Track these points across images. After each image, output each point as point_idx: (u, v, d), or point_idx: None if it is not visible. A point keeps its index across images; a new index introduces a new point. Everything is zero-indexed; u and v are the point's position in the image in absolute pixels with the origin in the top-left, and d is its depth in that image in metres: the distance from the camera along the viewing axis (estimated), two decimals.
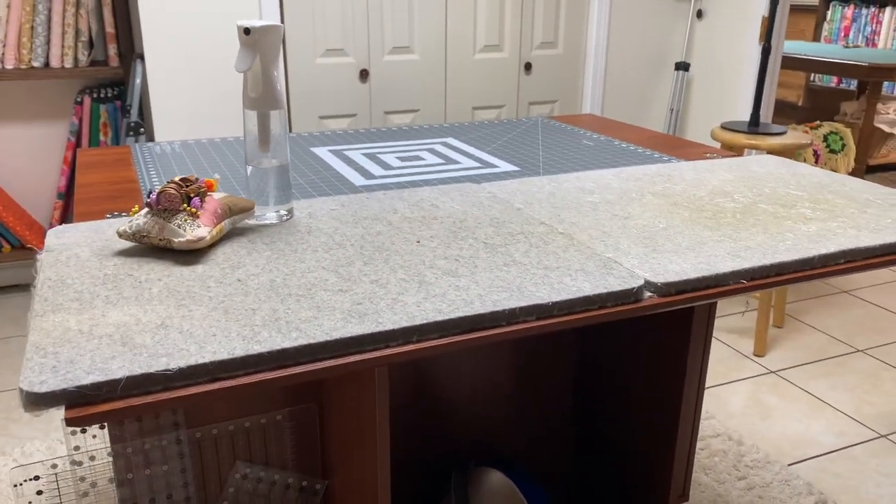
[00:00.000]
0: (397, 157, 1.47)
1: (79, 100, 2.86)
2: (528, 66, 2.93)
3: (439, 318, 0.77)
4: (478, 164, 1.42)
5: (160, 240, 0.90)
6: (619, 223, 1.06)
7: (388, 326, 0.75)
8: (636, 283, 0.86)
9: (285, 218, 1.05)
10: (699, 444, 2.16)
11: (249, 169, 1.02)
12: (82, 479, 1.19)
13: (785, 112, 5.48)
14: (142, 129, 2.51)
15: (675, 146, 1.62)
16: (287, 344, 0.71)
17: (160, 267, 0.88)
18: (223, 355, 0.68)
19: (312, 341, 0.71)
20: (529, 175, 1.34)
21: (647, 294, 0.87)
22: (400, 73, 2.72)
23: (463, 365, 1.37)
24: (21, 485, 1.18)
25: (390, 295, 0.82)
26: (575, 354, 1.45)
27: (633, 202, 1.16)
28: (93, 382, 0.63)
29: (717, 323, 2.87)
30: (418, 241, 0.98)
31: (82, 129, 2.88)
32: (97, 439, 1.20)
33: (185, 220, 0.90)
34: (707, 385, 2.48)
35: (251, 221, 1.04)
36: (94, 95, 2.86)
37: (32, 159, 2.95)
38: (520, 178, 1.29)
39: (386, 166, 1.41)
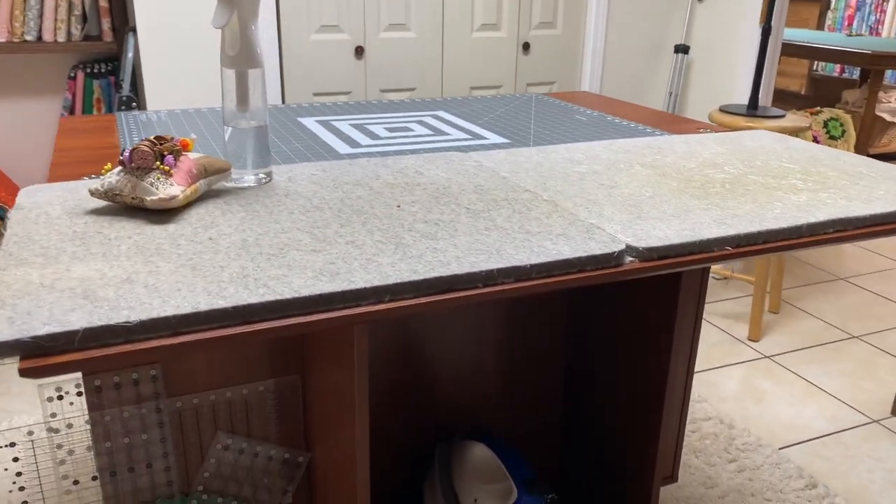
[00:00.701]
0: (385, 128, 1.45)
1: (72, 75, 2.83)
2: (526, 47, 2.90)
3: (414, 277, 0.75)
4: (467, 136, 1.40)
5: (133, 198, 0.88)
6: (605, 192, 1.04)
7: (360, 285, 0.73)
8: (617, 247, 0.84)
9: (264, 181, 1.03)
10: (690, 427, 2.14)
11: (227, 130, 1.00)
12: (59, 446, 1.18)
13: (787, 100, 5.44)
14: (134, 104, 2.49)
15: (669, 122, 1.59)
16: (253, 300, 0.69)
17: (131, 225, 0.86)
18: (186, 309, 0.66)
19: (280, 297, 0.69)
20: (519, 147, 1.32)
21: (629, 259, 0.85)
22: (396, 51, 2.69)
23: (450, 335, 1.35)
24: None
25: (365, 256, 0.80)
26: (565, 327, 1.43)
27: (621, 172, 1.13)
28: (49, 333, 0.61)
29: (712, 308, 2.85)
30: (399, 206, 0.95)
31: (76, 104, 2.86)
32: (74, 406, 1.19)
33: (158, 179, 0.88)
34: (700, 369, 2.46)
35: (228, 184, 1.02)
36: (88, 70, 2.84)
37: (25, 134, 2.92)
38: (508, 149, 1.27)
39: (373, 136, 1.38)
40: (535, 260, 0.80)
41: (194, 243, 0.81)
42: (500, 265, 0.78)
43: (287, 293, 0.70)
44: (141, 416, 1.21)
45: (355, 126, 1.46)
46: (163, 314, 0.65)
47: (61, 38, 2.72)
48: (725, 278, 2.73)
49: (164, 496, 1.26)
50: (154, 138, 0.91)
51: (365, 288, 0.72)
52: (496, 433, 1.45)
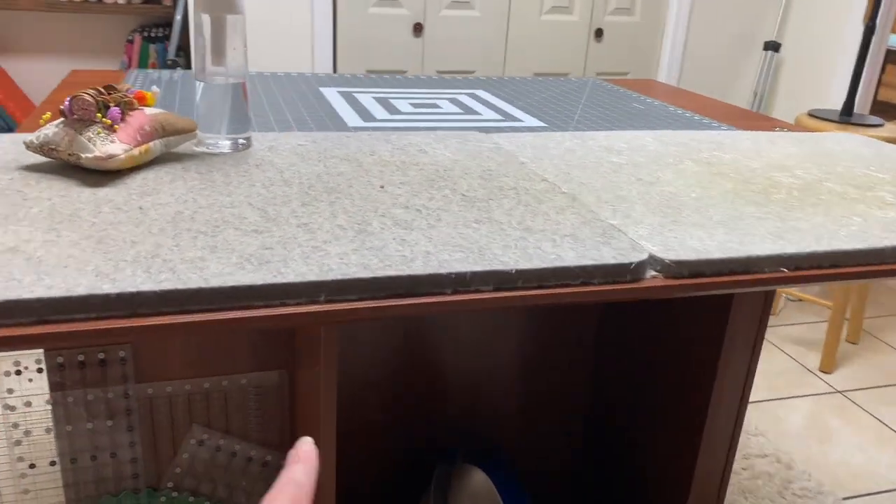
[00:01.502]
0: (411, 104, 1.29)
1: (130, 38, 2.79)
2: (598, 33, 2.69)
3: (361, 274, 0.59)
4: (499, 117, 1.23)
5: (69, 154, 0.75)
6: (641, 188, 0.85)
7: (290, 279, 0.57)
8: (637, 257, 0.66)
9: (241, 148, 0.89)
10: (741, 464, 1.92)
11: (199, 86, 0.86)
12: (15, 425, 1.07)
13: (890, 113, 5.01)
14: (178, 67, 2.41)
15: (741, 117, 1.38)
16: (147, 287, 0.54)
17: (60, 185, 0.73)
18: (58, 292, 0.52)
19: (181, 287, 0.55)
20: (553, 132, 1.14)
21: (651, 273, 0.67)
22: (457, 30, 2.53)
23: (462, 341, 1.19)
24: None
25: (314, 242, 0.64)
26: (593, 339, 1.24)
27: (667, 167, 0.94)
28: None
29: (782, 331, 2.59)
30: (382, 186, 0.80)
31: (131, 67, 2.81)
32: (34, 384, 1.08)
33: (98, 134, 0.75)
34: (761, 399, 2.22)
35: (199, 148, 0.88)
36: (146, 35, 2.78)
37: None
38: (538, 133, 1.09)
39: (394, 111, 1.23)
40: (524, 265, 0.63)
41: (119, 212, 0.68)
42: (478, 268, 0.61)
43: (194, 282, 0.55)
44: (107, 401, 1.09)
45: (378, 99, 1.30)
46: (25, 296, 0.52)
47: (122, 0, 2.68)
48: (800, 300, 2.47)
49: (130, 489, 1.15)
50: (104, 87, 0.78)
51: (295, 283, 0.57)
52: (509, 451, 1.28)
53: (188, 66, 2.55)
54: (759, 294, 1.22)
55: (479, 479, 1.10)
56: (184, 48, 2.57)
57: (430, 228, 0.69)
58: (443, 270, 0.61)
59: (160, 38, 2.78)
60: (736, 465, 1.93)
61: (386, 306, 0.58)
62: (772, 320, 2.70)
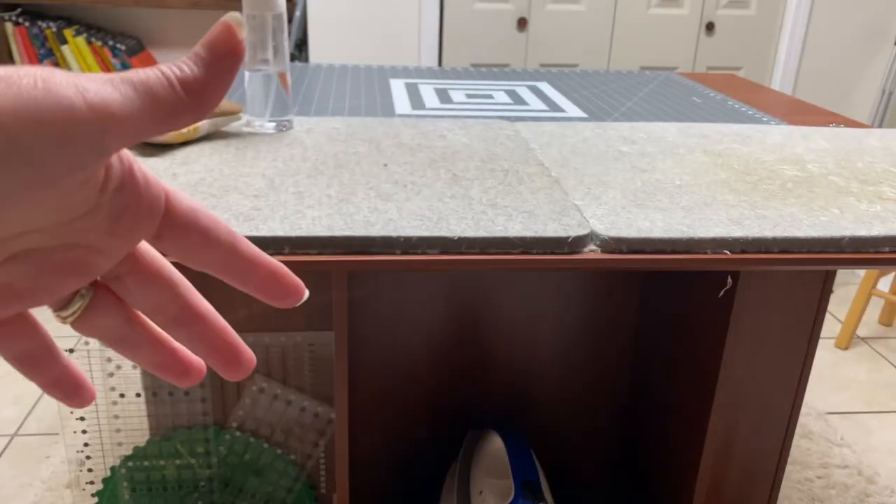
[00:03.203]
0: (466, 94, 1.39)
1: None
2: (710, 27, 2.64)
3: (322, 233, 0.70)
4: (545, 108, 1.30)
5: None
6: (630, 175, 0.91)
7: (262, 233, 0.69)
8: (578, 232, 0.72)
9: (284, 129, 1.03)
10: (817, 472, 1.86)
11: (246, 75, 1.00)
12: (109, 359, 1.28)
13: None
14: (296, 61, 2.62)
15: (801, 111, 1.36)
16: None
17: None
18: None
19: None
20: (587, 122, 1.20)
21: (591, 248, 0.73)
22: (561, 24, 2.58)
23: (506, 310, 1.27)
24: None
25: (299, 206, 0.76)
26: (636, 319, 1.28)
27: (672, 157, 0.98)
28: None
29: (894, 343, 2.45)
30: (385, 165, 0.90)
31: None
32: None
33: None
34: (856, 410, 2.13)
35: (247, 129, 1.03)
36: None
37: None
38: (565, 122, 1.15)
39: (446, 100, 1.33)
40: (470, 233, 0.71)
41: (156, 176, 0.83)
42: (426, 234, 0.71)
43: None
44: None
45: (436, 90, 1.41)
46: None
47: None
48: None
49: (200, 425, 1.33)
50: None
51: (264, 237, 0.69)
52: (550, 424, 1.35)
53: (306, 59, 2.76)
54: (810, 277, 1.20)
55: (495, 443, 1.18)
56: (304, 43, 2.79)
57: (405, 201, 0.79)
58: (393, 234, 0.71)
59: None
60: (811, 474, 1.88)
61: (339, 261, 0.69)
62: (885, 331, 2.56)
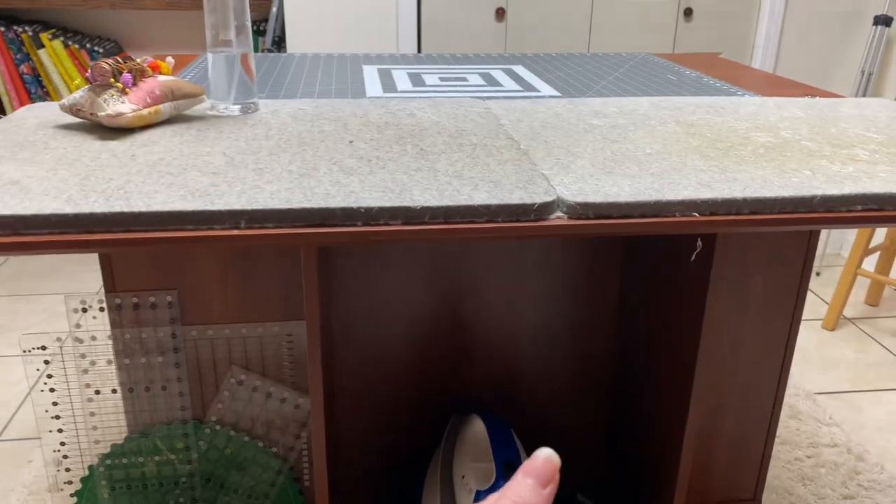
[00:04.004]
0: (440, 78, 1.37)
1: None
2: (688, 12, 2.64)
3: (280, 206, 0.68)
4: (519, 89, 1.28)
5: (91, 114, 0.89)
6: (600, 146, 0.89)
7: (219, 207, 0.67)
8: (544, 199, 0.71)
9: (250, 111, 1.01)
10: (806, 451, 1.85)
11: (209, 58, 0.99)
12: (83, 355, 1.26)
13: None
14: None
15: (778, 86, 1.35)
16: (99, 209, 0.66)
17: (78, 139, 0.88)
18: (29, 211, 0.65)
19: (126, 210, 0.66)
20: (559, 99, 1.18)
21: (557, 214, 0.71)
22: (539, 13, 2.57)
23: (488, 292, 1.26)
24: (30, 352, 1.27)
25: (258, 182, 0.74)
26: (617, 300, 1.26)
27: (643, 128, 0.97)
28: None
29: (883, 323, 2.44)
30: (351, 142, 0.89)
31: None
32: (97, 321, 1.26)
33: (112, 96, 0.88)
34: (844, 389, 2.12)
35: (211, 112, 1.01)
36: (253, 28, 3.00)
37: None
38: (538, 100, 1.14)
39: (419, 83, 1.31)
40: (433, 202, 0.70)
41: (113, 158, 0.81)
42: (388, 204, 0.69)
43: (138, 207, 0.67)
44: (157, 339, 1.26)
45: (409, 74, 1.39)
46: (4, 213, 0.65)
47: None
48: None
49: (179, 420, 1.31)
50: (121, 56, 0.92)
51: (220, 211, 0.67)
52: (532, 406, 1.34)
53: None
54: (791, 241, 1.18)
55: (477, 426, 1.16)
56: (282, 39, 2.77)
57: (369, 174, 0.77)
58: (354, 205, 0.69)
59: (263, 32, 3.00)
60: (800, 453, 1.87)
61: (297, 234, 0.67)
62: (872, 311, 2.56)
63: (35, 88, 2.94)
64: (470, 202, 0.70)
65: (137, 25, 2.91)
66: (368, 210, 0.69)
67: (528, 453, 1.18)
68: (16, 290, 2.51)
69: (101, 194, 0.70)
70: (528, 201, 0.70)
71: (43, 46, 2.82)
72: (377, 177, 0.76)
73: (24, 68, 2.86)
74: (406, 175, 0.77)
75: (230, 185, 0.73)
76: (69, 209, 0.66)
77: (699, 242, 0.81)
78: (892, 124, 1.02)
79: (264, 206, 0.68)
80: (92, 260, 2.77)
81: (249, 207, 0.67)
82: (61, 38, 2.79)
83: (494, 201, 0.70)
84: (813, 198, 0.73)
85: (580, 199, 0.71)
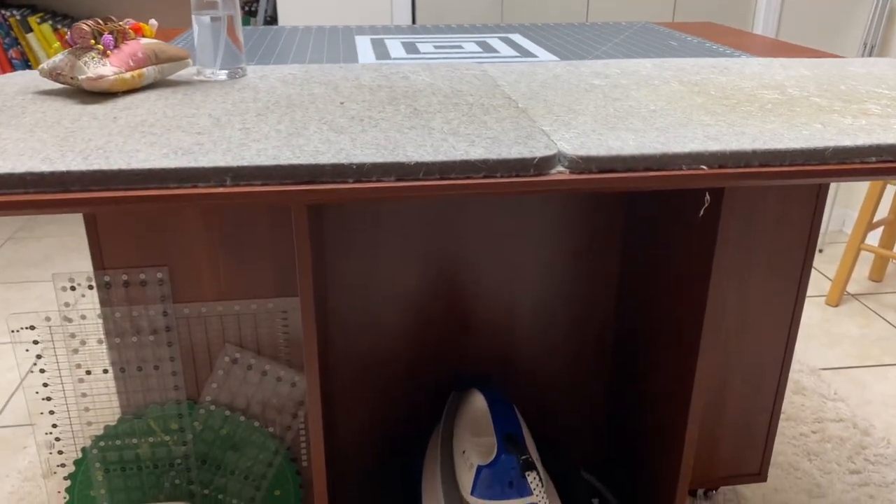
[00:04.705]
0: (435, 46, 1.33)
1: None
2: None
3: (267, 162, 0.65)
4: (516, 54, 1.25)
5: (71, 78, 0.86)
6: (602, 103, 0.86)
7: (203, 164, 0.64)
8: (544, 153, 0.67)
9: (238, 76, 0.97)
10: (812, 427, 1.83)
11: (195, 20, 0.95)
12: (73, 335, 1.22)
13: None
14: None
15: (782, 50, 1.32)
16: (76, 167, 0.63)
17: (58, 103, 0.84)
18: (2, 170, 0.62)
19: (105, 168, 0.63)
20: (557, 61, 1.15)
21: (559, 169, 0.68)
22: None
23: (486, 270, 1.23)
24: (18, 331, 1.24)
25: (244, 140, 0.71)
26: (616, 275, 1.24)
27: (646, 87, 0.93)
28: None
29: (887, 299, 2.42)
30: (342, 103, 0.85)
31: None
32: (87, 299, 1.22)
33: (93, 58, 0.85)
34: (848, 364, 2.10)
35: (198, 77, 0.97)
36: (245, 9, 2.96)
37: None
38: (535, 63, 1.10)
39: (413, 51, 1.27)
40: (427, 158, 0.66)
41: (94, 121, 0.77)
42: (380, 160, 0.66)
43: (117, 165, 0.64)
44: (149, 318, 1.22)
45: (404, 44, 1.35)
46: None
47: None
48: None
49: (173, 400, 1.28)
50: (102, 18, 0.88)
51: (205, 168, 0.64)
52: (532, 380, 1.31)
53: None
54: (798, 197, 1.14)
55: (477, 401, 1.13)
56: (274, 19, 2.72)
57: (361, 133, 0.74)
58: (344, 161, 0.65)
59: (254, 12, 2.95)
60: (806, 429, 1.84)
61: (286, 191, 0.64)
62: (876, 287, 2.53)
63: None
64: (466, 157, 0.67)
65: (126, 6, 2.87)
66: (360, 166, 0.65)
67: (529, 427, 1.15)
68: (8, 278, 2.48)
69: (80, 154, 0.66)
70: (528, 155, 0.67)
71: (31, 30, 2.78)
72: (369, 135, 0.73)
73: (12, 53, 2.81)
74: (399, 133, 0.74)
75: (215, 143, 0.70)
76: (45, 167, 0.63)
77: (707, 197, 0.77)
78: None
79: (251, 163, 0.64)
80: (85, 247, 2.74)
81: (235, 164, 0.64)
82: (50, 22, 2.75)
83: (492, 156, 0.67)
84: (825, 149, 0.70)
85: (582, 152, 0.68)
